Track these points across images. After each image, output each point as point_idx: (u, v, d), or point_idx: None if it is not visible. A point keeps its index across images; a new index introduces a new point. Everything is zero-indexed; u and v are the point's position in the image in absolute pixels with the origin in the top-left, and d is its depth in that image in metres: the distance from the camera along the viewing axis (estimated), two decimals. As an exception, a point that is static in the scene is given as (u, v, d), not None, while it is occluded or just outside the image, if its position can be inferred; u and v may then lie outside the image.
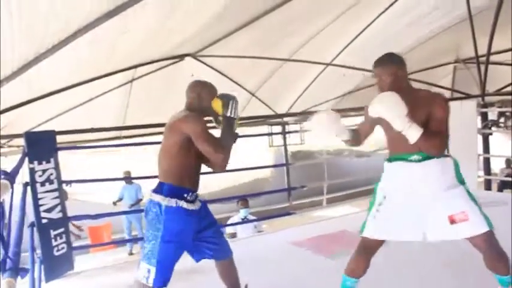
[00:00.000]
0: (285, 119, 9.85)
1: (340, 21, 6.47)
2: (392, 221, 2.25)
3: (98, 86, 6.33)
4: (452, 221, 2.13)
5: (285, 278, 3.32)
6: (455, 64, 9.32)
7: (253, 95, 8.25)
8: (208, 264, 2.60)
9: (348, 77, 8.31)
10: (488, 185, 6.81)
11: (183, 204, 2.30)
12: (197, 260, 2.53)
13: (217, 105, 2.43)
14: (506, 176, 9.50)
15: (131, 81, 6.91)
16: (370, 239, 2.32)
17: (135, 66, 6.38)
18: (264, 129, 9.89)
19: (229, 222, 5.96)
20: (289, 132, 10.13)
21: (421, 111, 2.15)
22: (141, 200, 8.28)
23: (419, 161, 2.22)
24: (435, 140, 2.13)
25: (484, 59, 6.15)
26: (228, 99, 2.42)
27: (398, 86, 2.21)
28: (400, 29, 7.32)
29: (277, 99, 8.93)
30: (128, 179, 7.37)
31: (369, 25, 6.83)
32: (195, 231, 2.40)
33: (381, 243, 2.34)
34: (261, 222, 6.37)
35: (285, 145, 10.53)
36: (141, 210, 2.81)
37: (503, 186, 9.26)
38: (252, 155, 10.01)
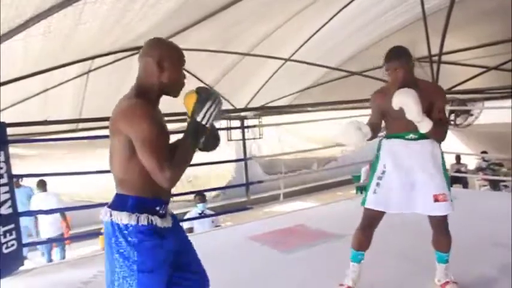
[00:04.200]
0: (244, 113, 9.85)
1: (299, 17, 6.53)
2: (391, 193, 2.51)
3: (53, 77, 6.16)
4: (436, 200, 2.45)
5: (241, 272, 3.33)
6: (410, 62, 9.53)
7: (211, 88, 8.21)
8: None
9: (307, 73, 8.40)
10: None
11: (157, 221, 1.69)
12: None
13: (188, 100, 1.73)
14: (455, 172, 9.86)
15: (87, 72, 6.75)
16: (372, 210, 2.54)
17: (92, 58, 6.24)
18: (223, 123, 9.86)
19: (186, 217, 5.93)
20: (248, 126, 10.15)
21: (425, 101, 2.38)
22: None
23: (416, 139, 2.52)
24: (441, 129, 2.46)
25: (437, 58, 6.35)
26: (206, 96, 1.71)
27: (409, 77, 2.46)
28: (357, 27, 7.45)
29: (236, 94, 8.92)
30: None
31: (327, 22, 6.91)
32: (172, 255, 1.79)
33: (382, 215, 2.57)
34: (219, 216, 6.37)
35: (243, 139, 10.52)
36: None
37: (453, 181, 9.59)
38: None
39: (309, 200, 8.90)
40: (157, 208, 1.72)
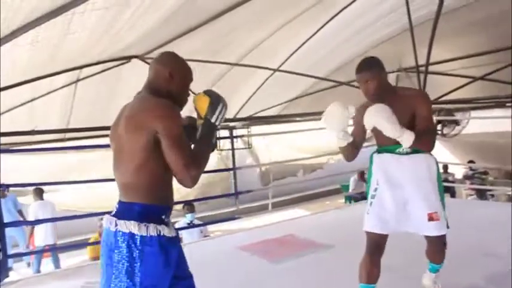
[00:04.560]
0: (233, 123, 9.85)
1: (289, 27, 6.57)
2: (384, 213, 2.36)
3: (41, 87, 6.13)
4: (430, 219, 2.30)
5: (230, 282, 3.33)
6: (397, 73, 9.65)
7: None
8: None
9: (295, 83, 8.44)
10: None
11: (165, 230, 1.62)
12: None
13: (202, 102, 1.80)
14: (444, 181, 9.90)
15: (76, 82, 6.72)
16: (371, 233, 2.38)
17: (80, 67, 6.22)
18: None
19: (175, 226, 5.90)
20: (237, 136, 10.15)
21: (406, 111, 2.27)
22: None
23: (407, 153, 2.36)
24: (427, 138, 2.26)
25: (424, 68, 6.42)
26: (217, 100, 1.80)
27: (383, 88, 2.32)
28: (345, 38, 7.51)
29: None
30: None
31: (315, 33, 6.97)
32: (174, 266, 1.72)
33: (384, 236, 2.39)
34: (207, 226, 6.35)
35: (232, 149, 10.54)
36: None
37: (441, 190, 9.66)
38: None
39: (298, 209, 8.90)
40: (163, 216, 1.66)
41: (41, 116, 7.13)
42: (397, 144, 2.29)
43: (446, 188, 9.49)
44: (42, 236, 6.72)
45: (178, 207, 6.46)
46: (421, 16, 6.61)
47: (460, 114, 7.45)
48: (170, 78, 1.79)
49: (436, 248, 2.48)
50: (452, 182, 10.13)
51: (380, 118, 2.16)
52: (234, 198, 10.00)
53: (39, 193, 6.81)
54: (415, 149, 2.33)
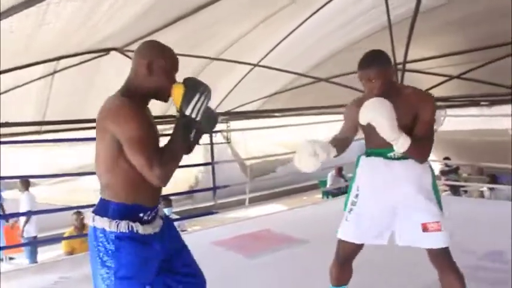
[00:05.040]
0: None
1: (267, 23, 6.56)
2: (365, 222, 2.15)
3: (16, 78, 6.01)
4: (425, 229, 2.04)
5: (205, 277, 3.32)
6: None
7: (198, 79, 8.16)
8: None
9: (275, 78, 8.45)
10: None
11: (139, 228, 1.64)
12: None
13: (176, 93, 1.65)
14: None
15: (52, 74, 6.62)
16: (347, 242, 2.19)
17: (57, 59, 6.12)
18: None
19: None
20: (216, 131, 10.15)
21: (408, 112, 2.04)
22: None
23: (399, 158, 2.12)
24: (422, 148, 2.05)
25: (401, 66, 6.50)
26: (194, 88, 1.65)
27: (388, 86, 2.07)
28: (325, 34, 7.54)
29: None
30: None
31: (296, 28, 6.98)
32: (160, 260, 1.77)
33: (358, 246, 2.21)
34: (184, 221, 6.34)
35: (211, 144, 10.54)
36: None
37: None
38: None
39: (275, 204, 8.93)
40: (141, 215, 1.67)
41: (16, 108, 7.00)
42: (390, 147, 2.06)
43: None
44: (33, 226, 6.80)
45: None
46: (400, 14, 6.67)
47: (436, 112, 7.55)
48: (148, 71, 1.69)
49: (445, 270, 2.07)
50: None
51: (378, 114, 1.93)
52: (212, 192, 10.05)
53: (26, 185, 6.83)
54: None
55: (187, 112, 1.63)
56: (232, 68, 7.88)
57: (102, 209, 1.66)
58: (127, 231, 1.62)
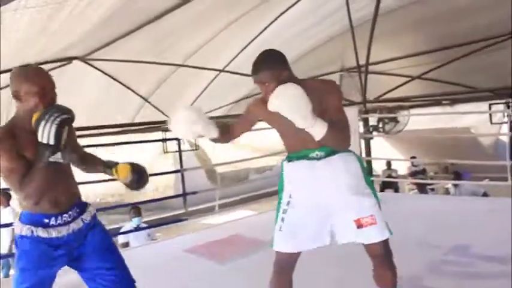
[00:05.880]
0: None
1: (232, 28, 6.58)
2: (299, 229, 2.03)
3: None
4: (360, 225, 1.97)
5: (177, 285, 3.29)
6: (341, 73, 9.88)
7: (146, 100, 8.08)
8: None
9: (241, 84, 8.47)
10: (371, 186, 7.30)
11: (39, 231, 1.89)
12: None
13: (33, 120, 1.77)
14: (387, 177, 10.26)
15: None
16: (283, 253, 2.07)
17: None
18: (158, 135, 9.74)
19: (121, 231, 5.78)
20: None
21: (316, 102, 1.88)
22: None
23: (322, 157, 2.02)
24: (341, 132, 1.96)
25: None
26: (39, 117, 1.75)
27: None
28: (288, 38, 7.61)
29: (171, 105, 8.83)
30: None
31: (260, 33, 7.02)
32: (65, 257, 1.97)
33: (295, 255, 2.08)
34: (155, 229, 6.26)
35: (179, 151, 10.43)
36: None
37: (384, 186, 10.01)
38: (145, 161, 9.84)
39: (246, 209, 8.92)
40: (46, 221, 1.90)
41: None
42: (311, 147, 2.00)
43: (389, 183, 9.86)
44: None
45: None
46: (362, 17, 6.80)
47: (400, 112, 7.72)
48: (16, 98, 1.85)
49: (382, 264, 2.06)
50: (395, 177, 10.48)
51: (290, 99, 1.81)
52: (182, 200, 9.94)
53: (7, 198, 6.58)
54: (330, 151, 2.01)
55: (39, 139, 1.75)
56: (198, 74, 7.86)
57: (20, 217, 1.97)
58: (29, 234, 1.89)
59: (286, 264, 2.09)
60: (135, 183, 1.96)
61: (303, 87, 1.87)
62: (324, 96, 1.96)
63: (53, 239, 1.91)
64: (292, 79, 1.99)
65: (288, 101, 1.82)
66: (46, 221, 1.90)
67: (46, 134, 1.73)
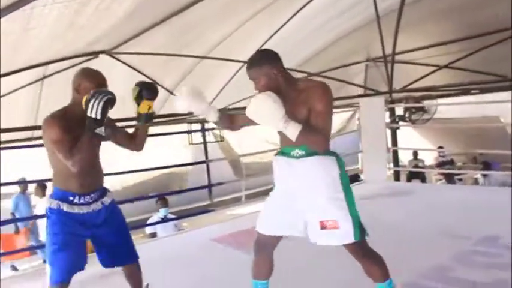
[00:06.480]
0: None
1: (256, 19, 6.56)
2: (275, 216, 2.22)
3: (4, 84, 5.97)
4: (323, 227, 2.09)
5: (205, 274, 3.33)
6: (366, 63, 9.77)
7: (171, 93, 8.15)
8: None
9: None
10: (397, 176, 7.23)
11: (64, 206, 2.27)
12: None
13: (84, 100, 2.12)
14: (414, 167, 10.13)
15: (42, 79, 6.58)
16: (263, 234, 2.24)
17: (45, 64, 6.08)
18: (184, 127, 9.83)
19: (148, 222, 5.86)
20: (208, 129, 10.14)
21: (302, 106, 2.06)
22: None
23: (300, 157, 2.13)
24: (315, 135, 2.04)
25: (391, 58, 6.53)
26: (92, 95, 2.10)
27: (275, 84, 2.11)
28: (313, 29, 7.55)
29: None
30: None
31: (284, 24, 6.98)
32: (86, 234, 2.35)
33: (270, 239, 2.24)
34: (181, 220, 6.32)
35: (204, 142, 10.52)
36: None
37: (411, 176, 9.90)
38: (170, 153, 9.92)
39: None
40: (71, 198, 2.27)
41: (6, 115, 6.94)
42: (290, 146, 2.12)
43: (416, 173, 9.74)
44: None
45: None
46: (388, 6, 6.69)
47: (428, 101, 7.59)
48: (76, 91, 2.26)
49: (361, 260, 2.16)
50: (422, 167, 10.36)
51: (261, 107, 1.96)
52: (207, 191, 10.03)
53: (43, 189, 6.90)
54: (311, 151, 2.11)
55: (88, 113, 2.08)
56: (224, 65, 7.87)
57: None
58: (56, 207, 2.26)
59: (263, 245, 2.26)
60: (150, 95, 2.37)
61: (294, 89, 2.11)
62: (310, 98, 2.07)
63: (75, 214, 2.28)
64: (283, 77, 2.14)
65: (260, 109, 1.96)
66: (71, 198, 2.28)
67: (94, 109, 2.07)
